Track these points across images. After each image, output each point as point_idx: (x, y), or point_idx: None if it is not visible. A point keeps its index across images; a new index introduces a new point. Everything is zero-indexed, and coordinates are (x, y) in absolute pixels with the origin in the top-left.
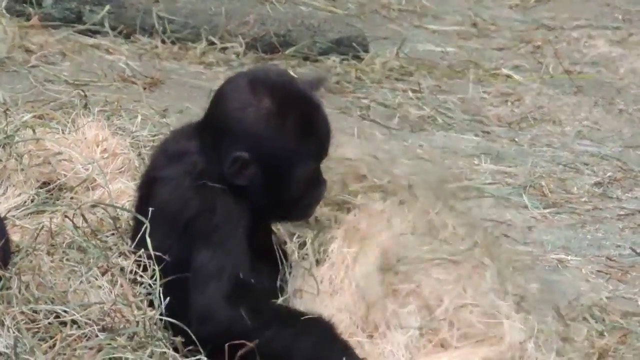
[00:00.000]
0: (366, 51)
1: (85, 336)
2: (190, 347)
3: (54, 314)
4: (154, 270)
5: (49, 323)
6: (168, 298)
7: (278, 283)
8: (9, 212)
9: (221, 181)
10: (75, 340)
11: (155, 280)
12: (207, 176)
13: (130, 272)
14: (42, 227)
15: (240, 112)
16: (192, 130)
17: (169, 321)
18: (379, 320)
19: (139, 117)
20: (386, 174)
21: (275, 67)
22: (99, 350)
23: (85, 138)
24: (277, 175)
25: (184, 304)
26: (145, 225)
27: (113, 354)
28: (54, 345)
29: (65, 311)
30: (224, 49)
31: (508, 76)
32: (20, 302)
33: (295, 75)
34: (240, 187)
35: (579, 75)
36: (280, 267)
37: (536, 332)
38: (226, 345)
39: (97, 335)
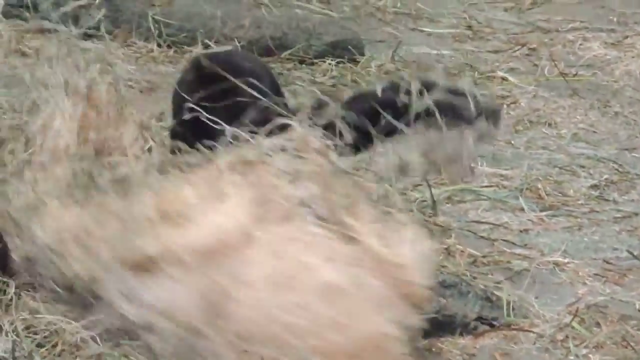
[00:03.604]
0: (362, 54)
1: (85, 343)
2: None
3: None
4: None
5: (48, 330)
6: None
7: None
8: None
9: None
10: (75, 347)
11: None
12: None
13: None
14: None
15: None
16: None
17: None
18: None
19: None
20: None
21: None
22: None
23: None
24: None
25: None
26: None
27: None
28: (52, 351)
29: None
30: None
31: (503, 79)
32: (19, 308)
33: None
34: None
35: (575, 77)
36: None
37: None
38: None
39: (98, 344)
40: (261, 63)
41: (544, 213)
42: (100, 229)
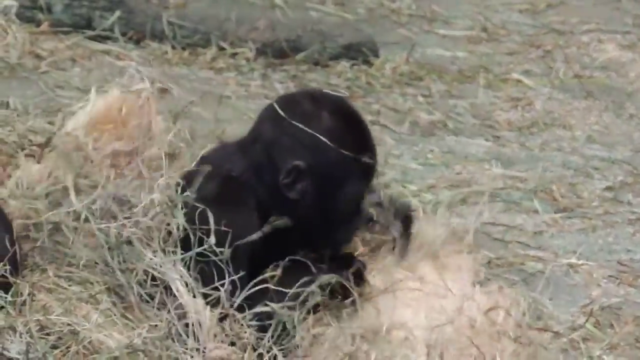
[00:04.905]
0: (376, 56)
1: (101, 343)
2: None
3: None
4: None
5: (62, 331)
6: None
7: None
8: None
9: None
10: (89, 348)
11: None
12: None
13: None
14: None
15: (300, 123)
16: (235, 150)
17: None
18: None
19: None
20: None
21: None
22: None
23: None
24: (328, 191)
25: None
26: None
27: None
28: (67, 352)
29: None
30: (234, 55)
31: (518, 81)
32: (33, 310)
33: None
34: (288, 203)
35: (589, 79)
36: None
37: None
38: None
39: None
40: None
41: (558, 215)
42: None
